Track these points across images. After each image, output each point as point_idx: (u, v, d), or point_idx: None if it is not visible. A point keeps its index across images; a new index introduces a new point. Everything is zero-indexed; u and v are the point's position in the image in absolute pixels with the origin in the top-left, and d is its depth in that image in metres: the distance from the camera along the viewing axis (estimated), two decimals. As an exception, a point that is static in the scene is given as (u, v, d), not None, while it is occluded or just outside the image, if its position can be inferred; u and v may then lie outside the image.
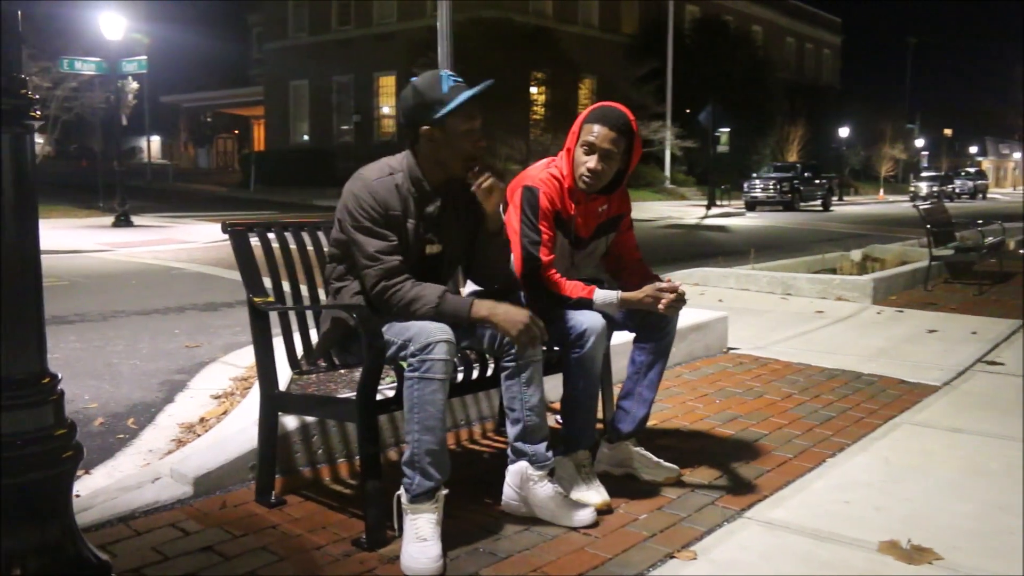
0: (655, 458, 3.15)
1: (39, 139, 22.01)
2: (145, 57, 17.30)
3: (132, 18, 18.53)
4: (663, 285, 2.99)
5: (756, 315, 7.16)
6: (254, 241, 2.89)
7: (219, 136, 60.48)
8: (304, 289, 3.06)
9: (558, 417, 3.15)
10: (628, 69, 34.75)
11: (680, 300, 2.99)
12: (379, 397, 2.55)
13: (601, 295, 2.99)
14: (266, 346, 2.79)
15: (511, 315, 2.62)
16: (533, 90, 32.80)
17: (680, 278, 8.96)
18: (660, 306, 2.93)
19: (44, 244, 7.65)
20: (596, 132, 2.97)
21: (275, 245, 2.98)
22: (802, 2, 57.00)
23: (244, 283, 2.79)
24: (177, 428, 4.04)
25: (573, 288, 3.00)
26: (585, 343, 2.84)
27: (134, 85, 18.49)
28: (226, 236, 2.83)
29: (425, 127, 2.69)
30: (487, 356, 2.82)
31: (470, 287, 3.11)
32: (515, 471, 2.77)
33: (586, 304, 2.98)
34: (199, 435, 3.87)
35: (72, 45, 19.43)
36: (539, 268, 2.99)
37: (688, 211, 27.89)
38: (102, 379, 5.01)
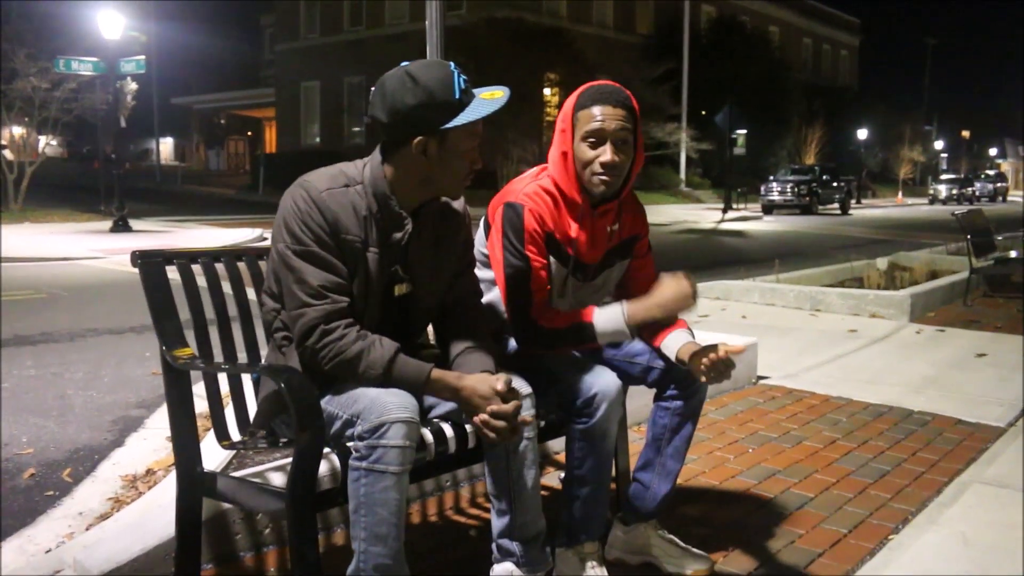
0: (680, 544, 2.52)
1: (40, 140, 21.66)
2: (143, 57, 16.72)
3: (142, 19, 18.07)
4: (716, 353, 2.30)
5: (784, 334, 6.54)
6: (173, 275, 2.27)
7: (231, 138, 60.05)
8: (239, 338, 2.41)
9: (561, 474, 2.54)
10: (643, 70, 34.07)
11: (728, 366, 2.31)
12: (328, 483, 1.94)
13: (603, 317, 2.32)
14: (185, 412, 2.17)
15: (479, 393, 2.00)
16: (547, 91, 32.16)
17: (700, 291, 8.30)
18: (702, 375, 2.31)
19: (35, 251, 6.98)
20: (600, 115, 2.30)
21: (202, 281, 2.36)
22: (820, 2, 56.18)
23: (156, 331, 2.18)
24: (118, 482, 3.46)
25: (568, 318, 2.34)
26: (594, 412, 2.20)
27: (133, 86, 17.94)
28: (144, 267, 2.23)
29: (421, 137, 2.04)
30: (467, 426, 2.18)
31: None
32: (502, 574, 2.16)
33: (587, 334, 2.31)
34: (140, 492, 3.31)
35: (72, 45, 18.92)
36: (527, 306, 2.33)
37: (704, 215, 27.25)
38: (48, 416, 4.42)
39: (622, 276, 2.59)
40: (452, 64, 2.08)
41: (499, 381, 2.01)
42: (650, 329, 2.45)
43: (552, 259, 2.39)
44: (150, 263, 2.20)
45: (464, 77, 2.07)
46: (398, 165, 2.10)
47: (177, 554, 2.23)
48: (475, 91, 2.09)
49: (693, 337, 2.44)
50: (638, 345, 2.52)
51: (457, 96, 2.03)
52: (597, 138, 2.31)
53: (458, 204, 2.28)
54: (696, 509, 3.04)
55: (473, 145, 2.10)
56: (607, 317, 2.32)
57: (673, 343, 2.42)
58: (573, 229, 2.40)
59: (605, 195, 2.37)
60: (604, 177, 2.32)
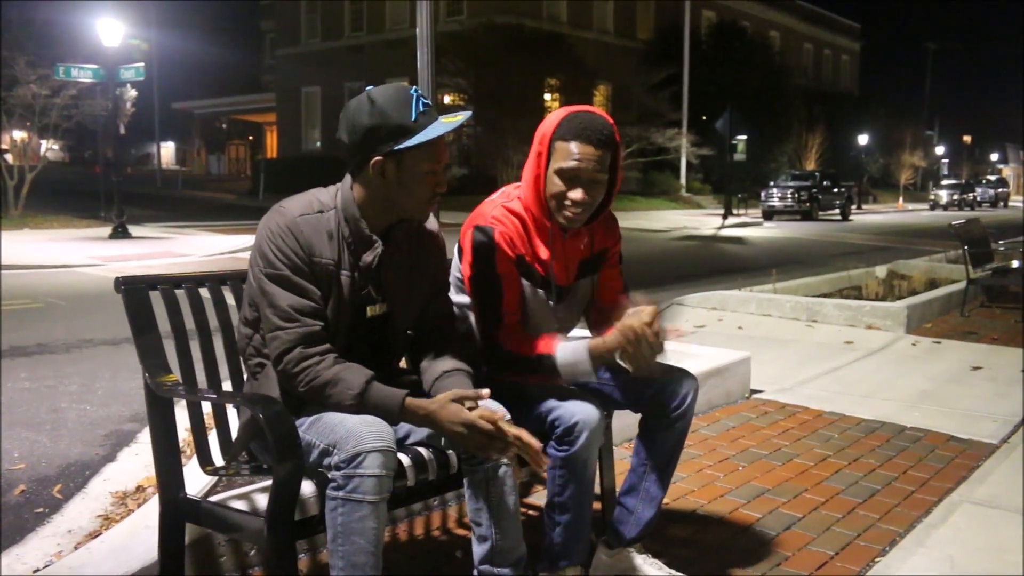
0: (665, 568, 2.51)
1: (42, 144, 21.68)
2: (143, 64, 16.77)
3: (143, 25, 18.08)
4: (636, 321, 2.15)
5: (780, 346, 6.54)
6: (156, 300, 2.28)
7: (232, 143, 60.11)
8: (224, 364, 2.41)
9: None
10: (643, 75, 34.09)
11: (654, 345, 2.16)
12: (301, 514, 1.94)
13: (566, 351, 2.25)
14: (168, 439, 2.19)
15: (452, 415, 1.99)
16: (547, 97, 32.19)
17: (697, 301, 8.35)
18: (629, 363, 2.20)
19: (33, 258, 6.97)
20: (577, 153, 2.26)
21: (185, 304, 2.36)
22: (821, 7, 56.23)
23: (140, 357, 2.19)
24: (109, 499, 3.46)
25: (533, 345, 2.30)
26: (575, 440, 2.18)
27: (132, 92, 17.98)
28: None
29: (378, 158, 2.06)
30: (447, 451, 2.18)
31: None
32: (481, 601, 2.16)
33: (546, 366, 2.25)
34: (130, 510, 3.30)
35: (72, 52, 18.96)
36: (495, 329, 2.33)
37: (704, 220, 27.24)
38: (41, 430, 4.42)
39: (593, 287, 2.58)
40: (414, 88, 2.11)
41: (473, 410, 2.01)
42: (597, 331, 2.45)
43: (525, 282, 2.38)
44: (133, 289, 2.21)
45: (426, 101, 2.09)
46: (363, 187, 2.13)
47: (160, 579, 2.23)
48: (441, 117, 2.10)
49: None
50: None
51: (413, 118, 2.04)
52: (571, 176, 2.29)
53: (432, 225, 2.30)
54: (683, 530, 3.04)
55: (434, 168, 2.11)
56: (570, 350, 2.28)
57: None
58: (543, 251, 2.39)
59: (570, 227, 2.38)
60: (573, 215, 2.32)
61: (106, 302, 8.97)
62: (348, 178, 2.17)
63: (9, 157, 20.88)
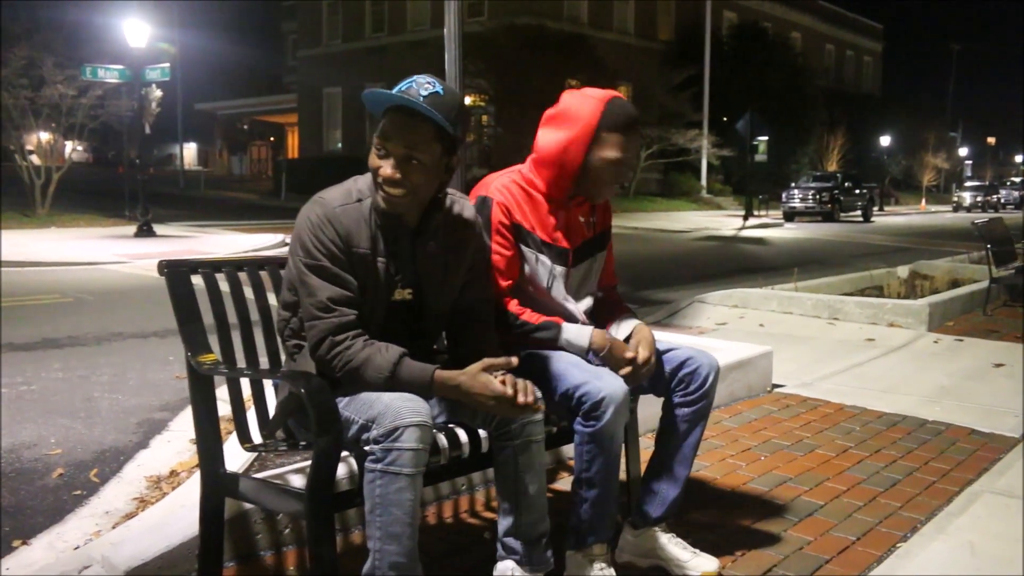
0: (690, 548, 2.57)
1: (67, 145, 21.95)
2: (168, 64, 16.97)
3: (165, 27, 18.28)
4: (631, 353, 2.46)
5: (801, 343, 6.56)
6: (197, 283, 2.36)
7: (254, 143, 60.51)
8: (261, 341, 2.50)
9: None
10: (664, 76, 34.15)
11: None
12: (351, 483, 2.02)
13: (572, 331, 2.47)
14: (209, 416, 2.26)
15: (480, 382, 2.06)
16: (567, 98, 32.18)
17: (718, 299, 8.38)
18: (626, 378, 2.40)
19: (61, 255, 7.17)
20: (628, 147, 2.45)
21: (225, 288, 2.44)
22: (843, 8, 55.97)
23: (182, 337, 2.26)
24: (143, 483, 3.56)
25: (538, 316, 2.48)
26: (602, 415, 2.25)
27: (158, 93, 18.19)
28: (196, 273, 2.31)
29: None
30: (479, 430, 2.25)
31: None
32: (502, 571, 2.24)
33: (552, 332, 2.45)
34: (164, 493, 3.40)
35: (99, 53, 19.19)
36: (498, 297, 2.46)
37: (724, 222, 27.20)
38: (76, 418, 4.53)
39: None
40: (428, 77, 2.16)
41: (501, 377, 2.08)
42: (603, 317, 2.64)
43: (526, 249, 2.50)
44: (176, 272, 2.29)
45: (430, 89, 2.11)
46: None
47: (200, 552, 2.32)
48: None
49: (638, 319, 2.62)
50: None
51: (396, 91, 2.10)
52: (618, 165, 2.45)
53: (468, 213, 2.36)
54: (706, 515, 3.09)
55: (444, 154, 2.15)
56: (575, 329, 2.48)
57: (622, 332, 2.57)
58: (545, 218, 2.52)
59: (597, 201, 2.59)
60: (614, 193, 2.56)
61: (134, 298, 9.14)
62: None
63: (35, 158, 21.15)
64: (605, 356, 2.44)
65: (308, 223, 2.14)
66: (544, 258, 2.51)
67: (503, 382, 2.05)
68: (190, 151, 59.81)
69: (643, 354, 2.44)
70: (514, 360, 2.12)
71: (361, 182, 2.23)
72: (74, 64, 18.69)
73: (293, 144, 50.23)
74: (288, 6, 49.53)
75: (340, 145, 42.23)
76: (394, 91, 2.10)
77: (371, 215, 2.17)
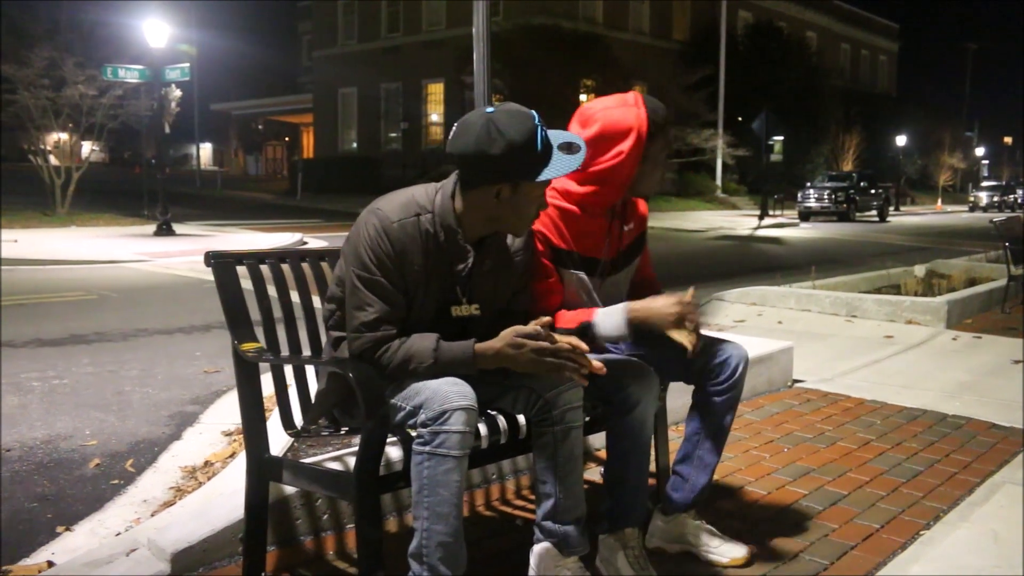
0: (718, 533, 2.64)
1: (84, 145, 22.15)
2: (188, 64, 17.11)
3: (182, 27, 18.44)
4: (683, 301, 2.38)
5: (820, 340, 6.60)
6: (243, 274, 2.44)
7: (269, 143, 60.84)
8: (304, 333, 2.59)
9: (601, 469, 2.66)
10: (679, 76, 34.15)
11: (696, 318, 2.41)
12: (387, 469, 2.09)
13: (604, 317, 2.41)
14: (255, 402, 2.34)
15: (520, 335, 2.11)
16: (583, 97, 32.31)
17: (737, 296, 8.43)
18: (689, 345, 2.37)
19: (82, 254, 7.28)
20: (671, 136, 2.54)
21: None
22: (858, 8, 55.81)
23: (228, 326, 2.34)
24: (179, 472, 3.64)
25: (569, 319, 2.43)
26: (633, 406, 2.33)
27: (177, 93, 18.35)
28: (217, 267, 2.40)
29: (501, 185, 2.13)
30: (519, 417, 2.33)
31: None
32: (540, 554, 2.31)
33: (587, 333, 2.39)
34: (200, 483, 3.47)
35: (119, 53, 19.38)
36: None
37: (740, 221, 27.21)
38: (108, 410, 4.62)
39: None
40: (535, 115, 2.14)
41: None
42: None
43: (564, 270, 2.48)
44: (222, 263, 2.37)
45: (545, 129, 2.15)
46: (469, 202, 2.18)
47: (245, 535, 2.39)
48: (550, 134, 2.18)
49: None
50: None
51: (539, 149, 2.12)
52: (666, 159, 2.55)
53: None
54: (732, 504, 3.15)
55: (543, 192, 2.21)
56: (607, 312, 2.44)
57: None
58: (582, 234, 2.50)
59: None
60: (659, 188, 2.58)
61: (157, 295, 9.26)
62: (450, 184, 2.22)
63: (53, 158, 21.36)
64: (646, 319, 2.40)
65: (366, 235, 2.15)
66: (582, 274, 2.52)
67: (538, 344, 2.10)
68: (206, 151, 60.21)
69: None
70: (546, 319, 2.13)
71: (420, 195, 2.22)
72: (94, 64, 18.87)
73: (308, 144, 50.49)
74: (304, 6, 49.78)
75: (355, 145, 42.42)
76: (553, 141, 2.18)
77: (430, 230, 2.18)
